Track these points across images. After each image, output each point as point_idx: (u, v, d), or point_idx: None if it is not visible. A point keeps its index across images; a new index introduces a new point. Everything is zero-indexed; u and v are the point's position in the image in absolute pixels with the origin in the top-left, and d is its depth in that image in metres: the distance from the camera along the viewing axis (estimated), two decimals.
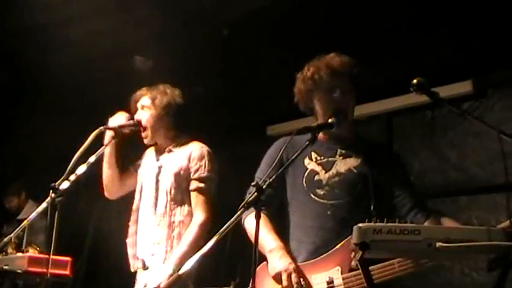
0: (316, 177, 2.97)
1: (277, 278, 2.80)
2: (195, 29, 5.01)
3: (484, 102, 4.80)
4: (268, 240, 2.90)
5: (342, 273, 2.72)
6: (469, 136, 4.78)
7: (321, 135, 3.01)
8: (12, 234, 3.57)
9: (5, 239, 3.56)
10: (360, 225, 2.18)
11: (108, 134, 3.74)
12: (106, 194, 3.93)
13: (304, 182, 2.99)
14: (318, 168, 3.00)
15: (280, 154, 2.85)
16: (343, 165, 2.98)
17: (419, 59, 4.63)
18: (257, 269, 2.88)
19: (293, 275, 2.77)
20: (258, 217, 2.40)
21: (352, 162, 2.98)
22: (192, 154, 3.68)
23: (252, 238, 2.90)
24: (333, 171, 2.97)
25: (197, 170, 3.64)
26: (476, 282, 4.48)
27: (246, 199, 2.45)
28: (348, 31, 4.65)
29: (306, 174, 3.00)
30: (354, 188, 2.91)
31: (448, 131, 4.95)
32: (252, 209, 2.53)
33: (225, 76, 5.38)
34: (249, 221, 2.83)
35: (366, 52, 4.69)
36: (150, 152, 3.90)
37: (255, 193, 2.44)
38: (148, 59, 5.47)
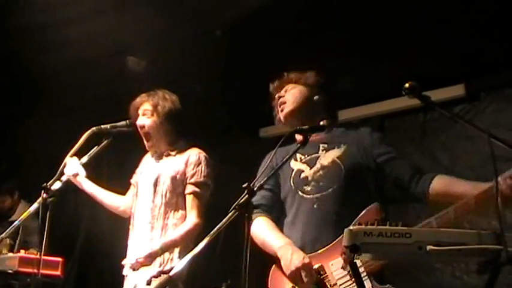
0: (302, 175, 3.01)
1: (296, 275, 2.75)
2: (190, 30, 5.01)
3: (476, 106, 4.82)
4: (274, 239, 2.91)
5: None
6: (461, 139, 4.80)
7: (300, 137, 3.04)
8: (3, 234, 3.58)
9: None
10: (351, 227, 2.19)
11: (72, 166, 3.72)
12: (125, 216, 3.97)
13: (291, 182, 3.02)
14: (303, 166, 3.03)
15: (269, 160, 2.87)
16: (326, 158, 3.01)
17: (412, 63, 4.64)
18: (270, 272, 2.91)
19: (311, 269, 2.74)
20: (248, 219, 2.41)
21: (334, 153, 3.01)
22: (189, 159, 3.73)
23: (258, 242, 2.92)
24: (317, 166, 3.00)
25: (193, 175, 3.69)
26: (467, 285, 4.50)
27: (237, 201, 2.45)
28: (342, 35, 4.66)
29: (292, 174, 3.04)
30: (338, 177, 2.93)
31: (440, 134, 4.96)
32: (255, 214, 2.67)
33: (218, 78, 5.38)
34: (253, 227, 2.88)
35: (359, 56, 4.73)
36: (148, 157, 3.93)
37: (246, 195, 2.44)
38: (141, 59, 5.46)
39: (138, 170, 3.97)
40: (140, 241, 3.66)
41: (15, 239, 4.94)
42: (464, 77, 4.83)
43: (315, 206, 2.90)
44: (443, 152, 4.93)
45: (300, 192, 2.97)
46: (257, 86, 5.36)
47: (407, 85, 2.63)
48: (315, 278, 2.74)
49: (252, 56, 5.05)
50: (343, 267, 2.70)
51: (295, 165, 3.06)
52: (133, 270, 3.56)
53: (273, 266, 2.90)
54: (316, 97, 3.17)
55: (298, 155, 3.07)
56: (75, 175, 3.83)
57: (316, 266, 2.77)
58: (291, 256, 2.78)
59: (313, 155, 3.04)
